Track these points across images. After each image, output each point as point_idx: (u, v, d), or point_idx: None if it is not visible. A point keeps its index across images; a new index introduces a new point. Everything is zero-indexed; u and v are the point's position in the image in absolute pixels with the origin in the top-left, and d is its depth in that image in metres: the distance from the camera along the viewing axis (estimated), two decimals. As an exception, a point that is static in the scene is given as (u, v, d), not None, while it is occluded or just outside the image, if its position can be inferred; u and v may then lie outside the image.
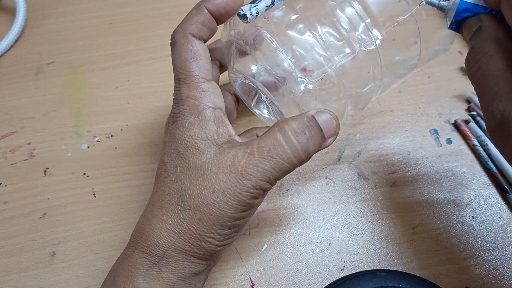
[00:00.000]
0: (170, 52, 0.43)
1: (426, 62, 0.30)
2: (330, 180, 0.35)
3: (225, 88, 0.32)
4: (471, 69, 0.22)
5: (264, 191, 0.24)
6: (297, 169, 0.35)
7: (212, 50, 0.29)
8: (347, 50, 0.25)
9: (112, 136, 0.37)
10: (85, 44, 0.43)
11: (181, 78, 0.25)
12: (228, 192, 0.23)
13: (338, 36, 0.25)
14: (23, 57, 0.42)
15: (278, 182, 0.34)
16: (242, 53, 0.27)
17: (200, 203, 0.23)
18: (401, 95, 0.39)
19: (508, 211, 0.33)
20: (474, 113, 0.38)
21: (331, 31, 0.25)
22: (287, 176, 0.35)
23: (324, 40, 0.25)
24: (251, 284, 0.30)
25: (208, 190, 0.23)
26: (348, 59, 0.25)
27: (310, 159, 0.35)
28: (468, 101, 0.39)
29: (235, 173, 0.23)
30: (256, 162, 0.23)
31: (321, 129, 0.24)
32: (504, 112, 0.19)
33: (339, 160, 0.36)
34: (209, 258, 0.24)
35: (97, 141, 0.37)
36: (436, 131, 0.37)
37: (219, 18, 0.26)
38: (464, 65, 0.41)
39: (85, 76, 0.41)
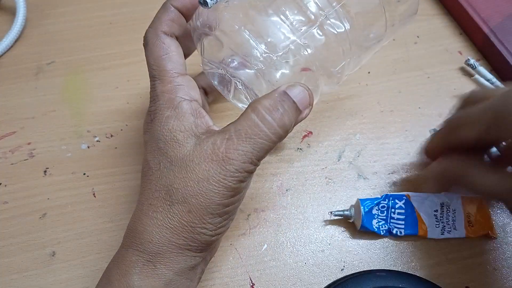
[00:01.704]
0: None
1: (394, 32, 0.30)
2: (330, 180, 0.35)
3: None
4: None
5: (249, 173, 0.24)
6: (297, 169, 0.35)
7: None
8: (310, 23, 0.25)
9: (112, 136, 0.37)
10: (85, 44, 0.43)
11: (155, 74, 0.26)
12: (212, 179, 0.23)
13: (299, 12, 0.25)
14: (23, 57, 0.42)
15: (278, 182, 0.34)
16: (211, 43, 0.27)
17: (187, 195, 0.23)
18: (401, 95, 0.39)
19: (508, 211, 0.33)
20: None
21: (292, 8, 0.25)
22: (287, 176, 0.35)
23: (286, 16, 0.25)
24: (251, 284, 0.30)
25: (193, 181, 0.23)
26: (312, 30, 0.25)
27: (312, 160, 0.35)
28: (468, 101, 0.39)
29: (217, 160, 0.23)
30: (235, 146, 0.23)
31: (294, 102, 0.24)
32: None
33: (339, 160, 0.36)
34: (205, 249, 0.25)
35: (97, 141, 0.37)
36: (436, 131, 0.37)
37: (187, 14, 0.27)
38: (464, 65, 0.41)
39: (85, 76, 0.41)
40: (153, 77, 0.26)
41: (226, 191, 0.23)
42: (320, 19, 0.25)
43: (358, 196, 0.34)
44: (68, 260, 0.31)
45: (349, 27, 0.26)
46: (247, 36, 0.25)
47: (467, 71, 0.41)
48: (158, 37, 0.26)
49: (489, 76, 0.39)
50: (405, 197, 0.32)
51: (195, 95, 0.26)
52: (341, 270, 0.31)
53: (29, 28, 0.44)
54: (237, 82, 0.27)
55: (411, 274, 0.30)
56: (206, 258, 0.26)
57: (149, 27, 0.27)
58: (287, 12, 0.25)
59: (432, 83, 0.40)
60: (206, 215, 0.23)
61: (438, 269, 0.31)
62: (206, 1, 0.25)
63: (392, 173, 0.35)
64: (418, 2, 0.29)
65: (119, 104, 0.39)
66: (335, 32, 0.26)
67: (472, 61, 0.40)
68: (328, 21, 0.26)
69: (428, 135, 0.37)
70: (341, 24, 0.26)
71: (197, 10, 0.27)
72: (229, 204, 0.24)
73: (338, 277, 0.30)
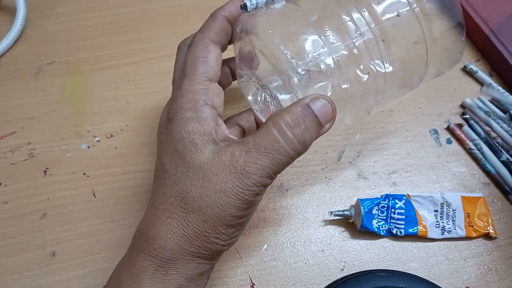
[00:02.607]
0: (170, 52, 0.43)
1: (432, 77, 0.30)
2: (330, 180, 0.35)
3: None
4: None
5: (265, 186, 0.24)
6: (297, 169, 0.35)
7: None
8: (343, 38, 0.25)
9: (112, 136, 0.37)
10: (85, 44, 0.43)
11: (186, 72, 0.26)
12: (230, 192, 0.23)
13: (334, 27, 0.25)
14: (23, 57, 0.42)
15: (278, 182, 0.34)
16: (245, 48, 0.27)
17: (203, 205, 0.23)
18: (401, 95, 0.39)
19: (508, 211, 0.33)
20: (467, 116, 0.37)
21: (327, 22, 0.25)
22: (287, 176, 0.35)
23: (320, 28, 0.25)
24: (251, 284, 0.30)
25: (210, 191, 0.23)
26: (344, 45, 0.25)
27: (312, 160, 0.35)
28: (463, 106, 0.39)
29: (235, 173, 0.23)
30: (254, 160, 0.23)
31: (316, 116, 0.24)
32: None
33: (339, 160, 0.36)
34: (215, 257, 0.25)
35: (97, 141, 0.37)
36: (436, 131, 0.37)
37: (234, 23, 0.28)
38: (464, 65, 0.41)
39: (85, 76, 0.41)
40: (183, 75, 0.26)
41: (242, 204, 0.23)
42: (355, 36, 0.25)
43: (358, 196, 0.34)
44: (68, 260, 0.31)
45: (388, 66, 0.26)
46: (277, 41, 0.24)
47: (467, 71, 0.41)
48: (204, 41, 0.26)
49: (488, 80, 0.39)
50: (405, 197, 0.32)
51: (217, 103, 0.26)
52: (341, 270, 0.31)
53: (29, 28, 0.44)
54: (267, 94, 0.27)
55: (411, 274, 0.30)
56: (213, 264, 0.26)
57: (198, 31, 0.27)
58: (322, 25, 0.25)
59: (432, 83, 0.40)
60: (220, 225, 0.23)
61: (438, 269, 0.31)
62: (246, 5, 0.26)
63: (392, 173, 0.35)
64: (460, 56, 0.29)
65: (119, 104, 0.39)
66: (374, 69, 0.26)
67: (470, 67, 0.40)
68: (373, 62, 0.25)
69: (428, 135, 0.37)
70: (381, 63, 0.26)
71: (239, 19, 0.28)
72: (243, 216, 0.24)
73: (338, 277, 0.30)
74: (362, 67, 0.26)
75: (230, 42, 0.29)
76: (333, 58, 0.25)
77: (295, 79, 0.25)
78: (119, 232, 0.32)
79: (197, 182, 0.23)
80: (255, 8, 0.26)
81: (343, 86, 0.25)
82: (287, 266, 0.31)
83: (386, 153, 0.36)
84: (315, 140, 0.25)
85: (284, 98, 0.26)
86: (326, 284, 0.30)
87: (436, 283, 0.29)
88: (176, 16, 0.45)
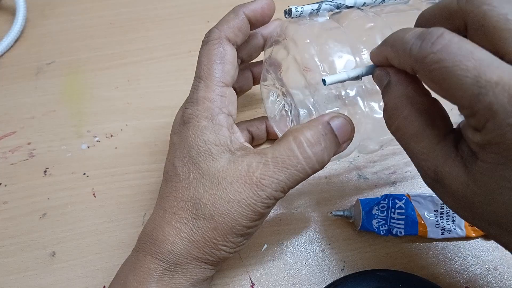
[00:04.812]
0: (170, 52, 0.43)
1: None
2: (330, 180, 0.35)
3: None
4: (391, 129, 0.22)
5: (277, 200, 0.24)
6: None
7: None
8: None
9: (112, 136, 0.37)
10: (85, 44, 0.43)
11: (202, 76, 0.25)
12: (243, 203, 0.23)
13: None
14: (23, 57, 0.42)
15: (278, 182, 0.34)
16: (279, 57, 0.27)
17: (215, 212, 0.23)
18: (401, 95, 0.39)
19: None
20: None
21: (366, 48, 0.25)
22: (287, 176, 0.35)
23: (358, 53, 0.25)
24: (251, 284, 0.30)
25: (223, 200, 0.23)
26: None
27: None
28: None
29: (250, 184, 0.23)
30: (271, 173, 0.23)
31: (336, 136, 0.24)
32: (435, 169, 0.19)
33: (339, 160, 0.36)
34: (220, 264, 0.25)
35: (97, 141, 0.37)
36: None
37: (254, 23, 0.27)
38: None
39: (85, 76, 0.41)
40: (199, 78, 0.25)
41: (254, 215, 0.23)
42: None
43: (358, 196, 0.34)
44: (68, 260, 0.31)
45: None
46: (313, 51, 0.25)
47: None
48: (221, 41, 0.26)
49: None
50: (405, 197, 0.32)
51: (233, 110, 0.26)
52: (341, 270, 0.31)
53: (29, 28, 0.44)
54: (286, 103, 0.27)
55: (411, 274, 0.30)
56: (216, 269, 0.26)
57: (215, 27, 0.26)
58: (359, 47, 0.25)
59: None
60: (230, 234, 0.23)
61: (438, 269, 0.31)
62: (291, 11, 0.26)
63: (392, 173, 0.35)
64: None
65: (119, 104, 0.39)
66: None
67: None
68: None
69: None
70: None
71: (280, 22, 0.28)
72: (253, 226, 0.24)
73: (338, 277, 0.30)
74: (381, 104, 0.26)
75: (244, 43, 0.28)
76: (356, 88, 0.25)
77: (320, 94, 0.25)
78: (119, 232, 0.32)
79: (210, 190, 0.23)
80: (299, 16, 0.26)
81: (357, 117, 0.25)
82: (287, 266, 0.31)
83: (386, 153, 0.36)
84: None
85: (303, 110, 0.26)
86: (326, 284, 0.30)
87: (436, 283, 0.29)
88: (176, 16, 0.45)
